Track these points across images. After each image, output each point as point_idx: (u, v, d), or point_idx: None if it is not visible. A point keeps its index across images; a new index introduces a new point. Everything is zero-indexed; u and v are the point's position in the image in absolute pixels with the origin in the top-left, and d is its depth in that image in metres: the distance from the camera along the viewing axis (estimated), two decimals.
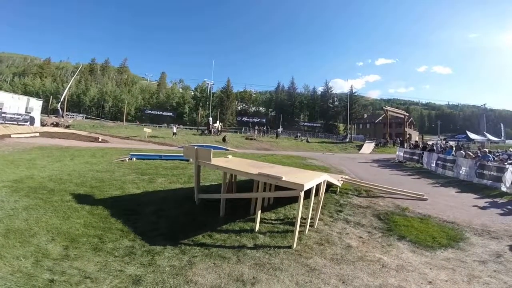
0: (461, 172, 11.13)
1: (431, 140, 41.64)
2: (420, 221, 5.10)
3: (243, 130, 42.81)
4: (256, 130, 38.16)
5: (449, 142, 24.45)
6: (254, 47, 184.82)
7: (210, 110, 48.32)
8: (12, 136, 17.52)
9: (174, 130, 29.53)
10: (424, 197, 6.95)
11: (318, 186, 4.51)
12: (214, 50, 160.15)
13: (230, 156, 6.23)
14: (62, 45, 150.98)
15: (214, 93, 61.76)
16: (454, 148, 15.11)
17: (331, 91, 71.34)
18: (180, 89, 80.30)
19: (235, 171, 4.69)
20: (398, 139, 36.41)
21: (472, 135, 26.78)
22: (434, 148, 16.58)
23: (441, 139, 39.90)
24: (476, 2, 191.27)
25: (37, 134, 20.22)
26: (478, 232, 4.70)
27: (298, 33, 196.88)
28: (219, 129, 35.09)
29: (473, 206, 6.65)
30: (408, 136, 41.18)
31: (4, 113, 22.32)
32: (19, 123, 22.73)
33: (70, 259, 3.01)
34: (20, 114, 23.82)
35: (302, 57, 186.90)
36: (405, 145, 25.61)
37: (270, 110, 72.80)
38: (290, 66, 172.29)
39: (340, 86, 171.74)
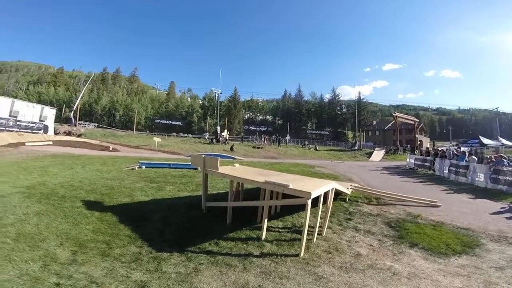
0: (475, 178, 10.80)
1: (443, 146, 40.67)
2: (433, 228, 4.93)
3: (250, 138, 42.89)
4: (263, 139, 38.11)
5: (461, 148, 23.80)
6: (260, 55, 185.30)
7: (218, 119, 48.81)
8: (26, 144, 18.06)
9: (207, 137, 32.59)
10: (437, 204, 6.75)
11: (326, 194, 4.44)
12: (221, 58, 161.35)
13: (237, 165, 6.23)
14: (75, 54, 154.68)
15: (221, 102, 62.50)
16: (467, 154, 14.71)
17: (339, 98, 71.27)
18: (189, 98, 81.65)
19: (242, 179, 4.68)
20: (408, 145, 35.77)
21: (485, 140, 25.94)
22: (446, 154, 16.17)
23: (453, 145, 38.92)
24: (485, 3, 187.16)
25: (50, 143, 20.71)
26: (494, 238, 4.52)
27: (304, 40, 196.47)
28: (227, 137, 35.40)
29: (488, 212, 6.42)
30: (419, 142, 40.42)
31: (19, 121, 23.00)
32: (33, 131, 23.43)
33: (77, 264, 3.03)
34: (34, 123, 24.52)
35: (308, 65, 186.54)
36: (416, 151, 25.12)
37: (277, 118, 72.82)
38: (297, 74, 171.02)
39: (348, 92, 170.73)
